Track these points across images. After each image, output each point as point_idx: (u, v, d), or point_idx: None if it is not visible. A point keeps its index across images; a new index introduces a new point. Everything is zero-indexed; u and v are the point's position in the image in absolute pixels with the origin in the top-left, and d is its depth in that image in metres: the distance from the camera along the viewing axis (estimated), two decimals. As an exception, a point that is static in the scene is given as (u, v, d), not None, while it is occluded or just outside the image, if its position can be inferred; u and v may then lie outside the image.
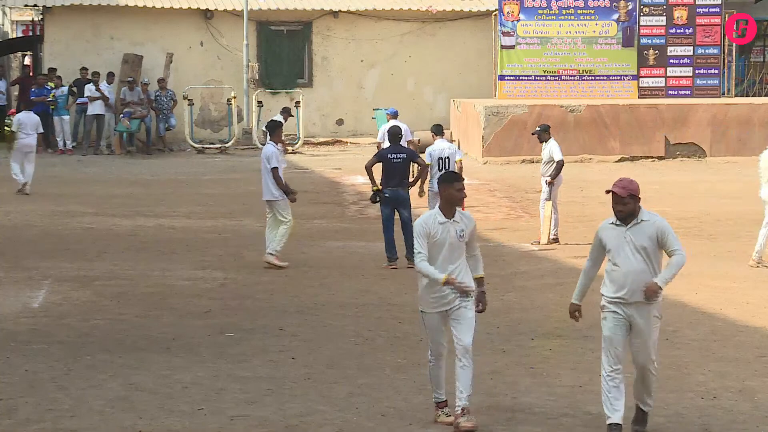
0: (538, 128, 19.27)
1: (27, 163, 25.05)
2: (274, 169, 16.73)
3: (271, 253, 16.74)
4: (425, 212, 9.89)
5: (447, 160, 17.97)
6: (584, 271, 9.75)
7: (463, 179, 9.87)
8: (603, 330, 9.49)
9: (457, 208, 9.67)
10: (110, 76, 33.31)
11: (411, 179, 17.65)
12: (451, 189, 9.63)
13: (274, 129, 17.22)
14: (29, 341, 12.46)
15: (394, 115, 25.33)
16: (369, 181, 17.36)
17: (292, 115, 26.61)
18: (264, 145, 17.36)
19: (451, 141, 21.20)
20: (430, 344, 9.79)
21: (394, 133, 17.55)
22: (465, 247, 9.68)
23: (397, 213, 16.98)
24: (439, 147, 18.26)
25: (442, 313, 9.66)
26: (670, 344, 12.24)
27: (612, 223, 9.39)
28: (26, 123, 25.42)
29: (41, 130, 26.26)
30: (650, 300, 9.26)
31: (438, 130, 18.79)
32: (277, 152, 16.91)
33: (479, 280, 9.78)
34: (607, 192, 9.37)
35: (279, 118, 24.52)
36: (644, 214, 9.36)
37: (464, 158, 19.72)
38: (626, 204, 9.28)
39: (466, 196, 9.75)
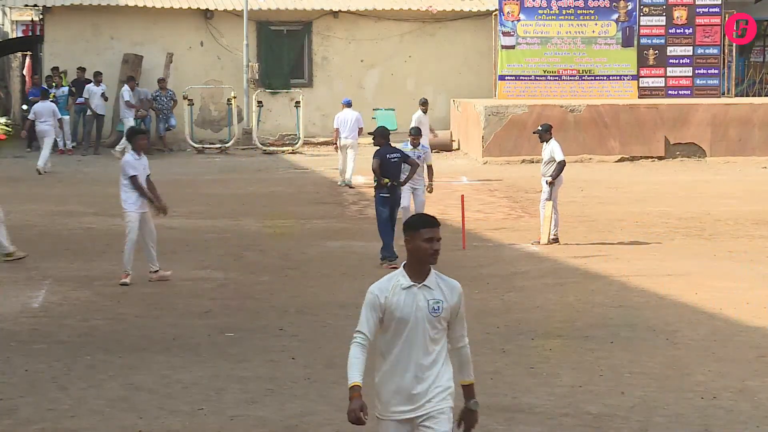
0: (540, 127, 19.28)
1: (43, 147, 28.17)
2: (132, 178, 15.64)
3: (155, 270, 15.84)
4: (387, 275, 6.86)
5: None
6: None
7: (438, 224, 6.74)
8: None
9: (435, 271, 6.69)
10: (97, 75, 33.04)
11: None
12: (417, 239, 6.62)
13: (132, 136, 16.21)
14: (29, 341, 12.46)
15: (348, 104, 26.78)
16: (373, 182, 17.54)
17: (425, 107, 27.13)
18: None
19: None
20: None
21: (384, 134, 17.61)
22: (446, 331, 6.70)
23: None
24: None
25: (406, 421, 6.66)
26: (670, 344, 12.25)
27: None
28: (42, 112, 28.44)
29: (59, 116, 29.24)
30: None
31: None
32: (132, 160, 15.67)
33: (467, 389, 6.88)
34: None
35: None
36: None
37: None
38: None
39: (438, 251, 6.64)
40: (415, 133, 18.91)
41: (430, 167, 18.91)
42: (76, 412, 9.93)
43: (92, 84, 32.95)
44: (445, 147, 32.68)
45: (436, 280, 6.65)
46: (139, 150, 15.85)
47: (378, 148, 17.32)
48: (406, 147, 18.51)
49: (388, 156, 17.19)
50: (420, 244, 6.58)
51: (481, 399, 10.27)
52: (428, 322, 6.58)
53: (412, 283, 6.61)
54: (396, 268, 18.30)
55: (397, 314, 6.60)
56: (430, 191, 18.94)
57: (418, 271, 6.63)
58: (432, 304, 6.58)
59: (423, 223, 6.63)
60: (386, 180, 17.08)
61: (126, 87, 32.46)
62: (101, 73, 33.12)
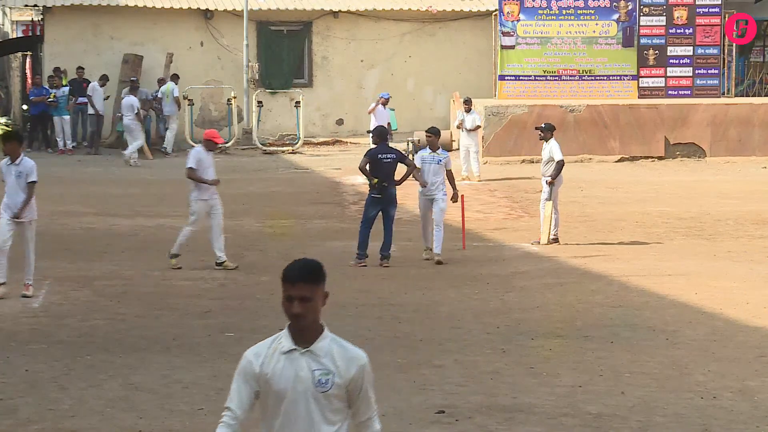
0: (543, 125, 19.28)
1: (128, 141, 30.44)
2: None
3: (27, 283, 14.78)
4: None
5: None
6: None
7: (306, 277, 5.17)
8: None
9: (330, 334, 5.26)
10: (103, 78, 33.07)
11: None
12: (282, 293, 5.18)
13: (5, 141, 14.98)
14: (29, 341, 12.46)
15: (386, 100, 28.45)
16: (366, 180, 17.50)
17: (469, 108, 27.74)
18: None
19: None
20: None
21: (382, 133, 17.58)
22: (344, 412, 5.24)
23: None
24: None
25: None
26: (670, 344, 12.25)
27: None
28: (124, 105, 30.66)
29: (135, 111, 30.36)
30: None
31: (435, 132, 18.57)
32: (2, 165, 14.65)
33: None
34: None
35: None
36: None
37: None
38: None
39: (301, 315, 5.16)
40: (432, 133, 18.02)
41: (449, 173, 17.63)
42: (76, 412, 9.93)
43: (96, 83, 32.92)
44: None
45: (329, 346, 5.20)
46: (10, 156, 14.63)
47: (373, 146, 17.34)
48: (425, 152, 17.85)
49: (380, 156, 17.11)
50: (282, 300, 5.20)
51: (480, 399, 10.32)
52: (314, 398, 5.17)
53: (294, 347, 5.20)
54: (365, 266, 18.01)
55: (273, 386, 5.18)
56: (455, 200, 17.55)
57: (300, 332, 5.20)
58: (318, 376, 5.17)
59: (285, 276, 5.17)
60: (375, 180, 17.00)
61: (173, 84, 32.67)
62: (107, 78, 33.09)
